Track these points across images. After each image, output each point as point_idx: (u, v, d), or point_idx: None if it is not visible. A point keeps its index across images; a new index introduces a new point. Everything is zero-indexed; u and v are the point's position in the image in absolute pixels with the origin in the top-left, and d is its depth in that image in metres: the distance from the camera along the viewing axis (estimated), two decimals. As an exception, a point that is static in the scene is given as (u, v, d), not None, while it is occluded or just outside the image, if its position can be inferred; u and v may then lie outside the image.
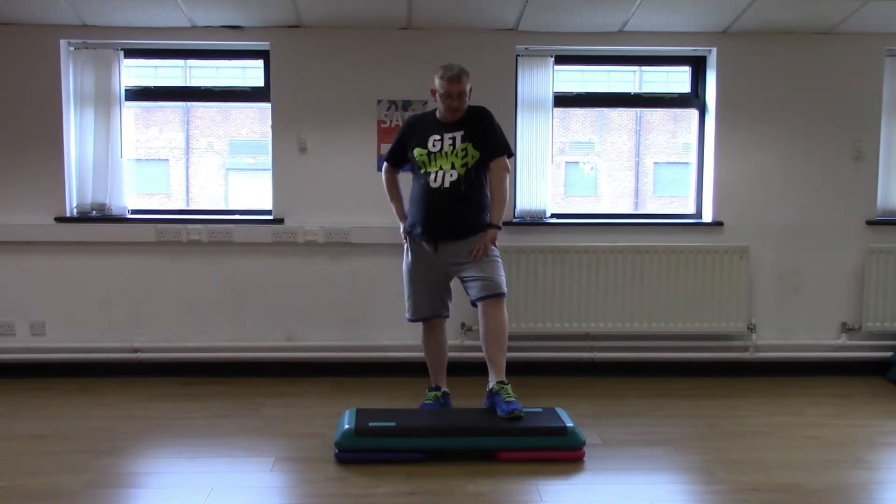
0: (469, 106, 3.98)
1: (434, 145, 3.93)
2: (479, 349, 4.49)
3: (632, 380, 4.91)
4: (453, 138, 3.91)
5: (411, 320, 4.10)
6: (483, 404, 3.92)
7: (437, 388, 4.10)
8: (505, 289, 3.91)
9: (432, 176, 3.90)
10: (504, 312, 3.88)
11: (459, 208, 3.89)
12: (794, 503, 3.20)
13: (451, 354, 4.21)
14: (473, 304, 3.94)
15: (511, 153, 4.09)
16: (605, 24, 4.76)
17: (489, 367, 3.87)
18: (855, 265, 5.04)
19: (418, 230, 3.96)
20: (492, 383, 3.84)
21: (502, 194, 3.96)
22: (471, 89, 3.94)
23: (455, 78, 3.87)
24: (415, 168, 4.01)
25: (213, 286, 4.92)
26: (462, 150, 3.89)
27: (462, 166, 3.88)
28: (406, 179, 4.16)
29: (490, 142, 3.95)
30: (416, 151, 3.96)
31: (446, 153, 3.90)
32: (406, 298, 4.09)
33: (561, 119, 11.86)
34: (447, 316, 4.12)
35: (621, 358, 5.01)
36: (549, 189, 5.02)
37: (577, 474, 3.49)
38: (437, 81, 3.91)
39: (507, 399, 3.74)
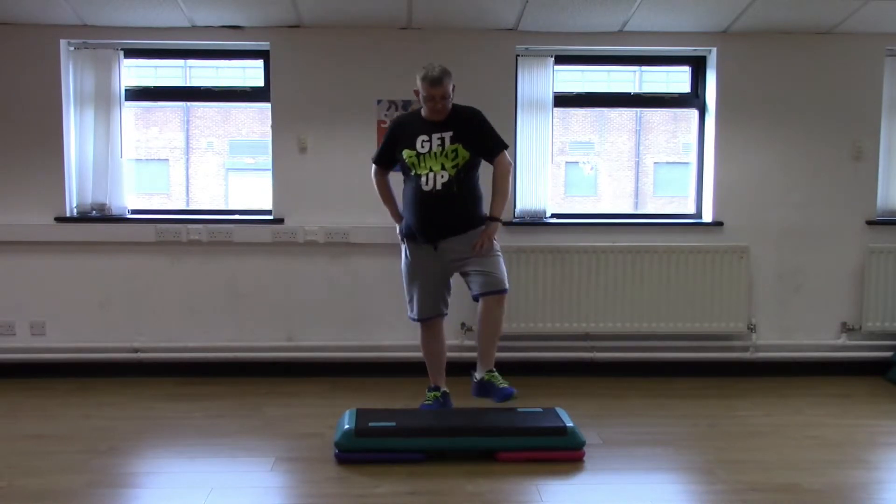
0: (457, 105, 3.93)
1: (423, 146, 3.87)
2: (479, 349, 4.48)
3: (632, 380, 4.91)
4: (442, 139, 3.86)
5: (416, 320, 4.08)
6: (473, 394, 3.95)
7: (437, 389, 4.09)
8: (507, 285, 3.90)
9: (423, 178, 3.85)
10: (503, 309, 3.90)
11: (454, 208, 3.86)
12: (793, 503, 3.20)
13: (450, 354, 4.21)
14: (475, 298, 3.93)
15: (507, 146, 4.01)
16: (605, 24, 4.76)
17: (479, 359, 3.91)
18: (855, 265, 5.04)
19: (416, 232, 3.94)
20: (481, 374, 3.88)
21: (505, 188, 3.96)
22: (454, 87, 3.87)
23: (436, 81, 3.78)
24: (405, 170, 3.96)
25: (213, 286, 4.92)
26: (452, 150, 3.84)
27: (453, 167, 3.84)
28: (396, 179, 4.12)
29: (486, 143, 3.92)
30: (406, 153, 3.91)
31: (435, 154, 3.85)
32: (407, 300, 4.08)
33: (561, 119, 11.85)
34: (446, 314, 4.12)
35: (621, 358, 5.01)
36: (549, 189, 5.02)
37: (577, 474, 3.49)
38: (418, 83, 3.84)
39: (500, 384, 3.80)
